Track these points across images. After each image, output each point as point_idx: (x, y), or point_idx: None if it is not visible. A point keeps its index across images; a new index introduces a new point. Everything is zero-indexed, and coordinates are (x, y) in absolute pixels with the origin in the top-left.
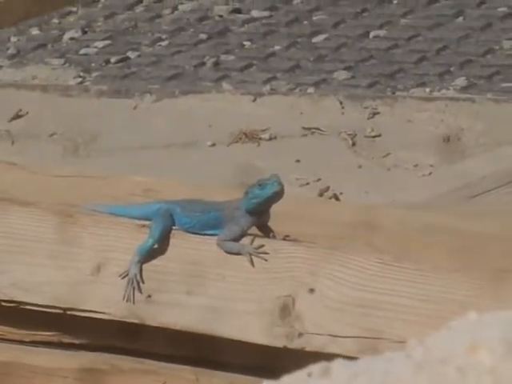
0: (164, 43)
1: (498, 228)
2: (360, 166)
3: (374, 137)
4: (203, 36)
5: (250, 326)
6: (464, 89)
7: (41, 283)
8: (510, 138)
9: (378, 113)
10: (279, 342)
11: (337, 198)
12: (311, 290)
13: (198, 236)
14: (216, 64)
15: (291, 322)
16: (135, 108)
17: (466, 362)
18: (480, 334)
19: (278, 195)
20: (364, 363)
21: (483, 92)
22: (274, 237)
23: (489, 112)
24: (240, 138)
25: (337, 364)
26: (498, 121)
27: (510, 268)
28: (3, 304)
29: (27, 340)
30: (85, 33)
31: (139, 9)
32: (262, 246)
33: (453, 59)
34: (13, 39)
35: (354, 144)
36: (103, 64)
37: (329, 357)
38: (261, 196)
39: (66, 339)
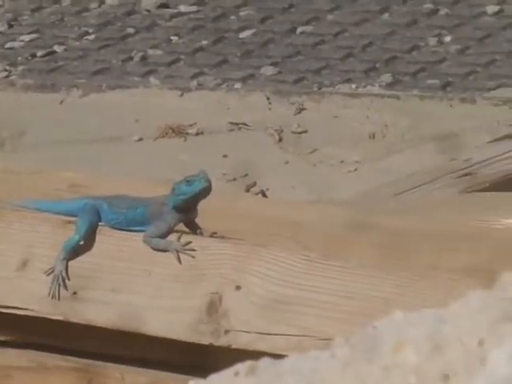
0: (91, 37)
1: (424, 225)
2: (287, 162)
3: (300, 133)
4: (130, 30)
5: (176, 323)
6: (389, 85)
7: None
8: (434, 135)
9: (305, 109)
10: (205, 340)
11: (264, 194)
12: (238, 287)
13: (124, 232)
14: (143, 58)
15: (218, 319)
16: (62, 102)
17: (391, 361)
18: (405, 333)
19: (205, 192)
20: (290, 362)
21: (408, 88)
22: (201, 233)
23: (414, 109)
24: (167, 133)
25: (263, 363)
26: (423, 117)
27: (436, 265)
28: None
29: None
30: (11, 26)
31: (66, 2)
32: (189, 242)
33: (378, 55)
34: None
35: (280, 140)
36: (29, 58)
37: (256, 354)
38: (188, 192)
39: None
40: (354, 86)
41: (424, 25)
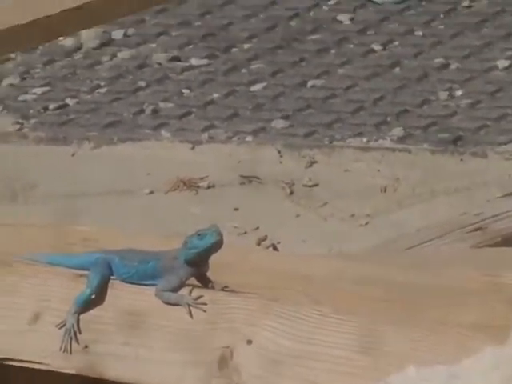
0: (103, 90)
1: (434, 280)
2: (298, 215)
3: (311, 186)
4: (142, 83)
5: (187, 377)
6: (400, 139)
7: None
8: (445, 189)
9: (316, 162)
10: None
11: (275, 248)
12: (249, 342)
13: (136, 286)
14: (155, 111)
15: (229, 374)
16: (73, 155)
17: None
18: None
19: (216, 246)
20: None
21: (419, 142)
22: (212, 287)
23: (425, 162)
24: (178, 186)
25: None
26: (434, 171)
27: (447, 320)
28: None
29: None
30: (23, 79)
31: (78, 55)
32: (201, 296)
33: (389, 109)
34: None
35: (291, 193)
36: (41, 111)
37: None
38: (200, 246)
39: None
40: (365, 139)
41: (435, 79)
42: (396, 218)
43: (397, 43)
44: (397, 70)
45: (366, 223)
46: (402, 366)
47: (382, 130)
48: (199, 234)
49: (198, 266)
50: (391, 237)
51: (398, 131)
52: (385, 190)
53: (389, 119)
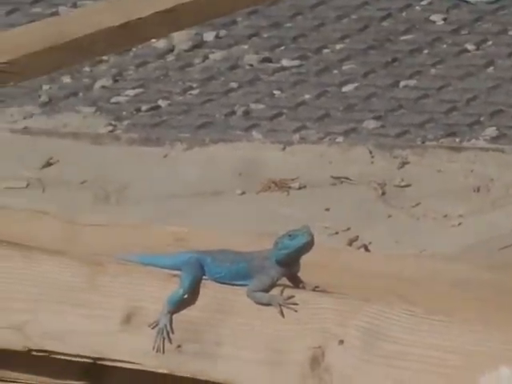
0: (195, 92)
1: None
2: (389, 216)
3: (403, 186)
4: (233, 85)
5: (279, 377)
6: (494, 139)
7: (71, 332)
8: None
9: (408, 162)
10: None
11: (366, 248)
12: (341, 342)
13: (228, 286)
14: (246, 113)
15: (321, 374)
16: (165, 156)
17: None
18: None
19: (307, 246)
20: None
21: None
22: (303, 287)
23: None
24: (269, 187)
25: None
26: None
27: None
28: (33, 353)
29: None
30: (116, 81)
31: (170, 57)
32: (292, 296)
33: (483, 109)
34: (44, 87)
35: (383, 193)
36: (134, 112)
37: None
38: (291, 247)
39: None
40: (458, 139)
41: None
42: (489, 218)
43: (490, 43)
44: (490, 69)
45: (459, 224)
46: (495, 366)
47: (476, 130)
48: (290, 235)
49: (289, 266)
50: (484, 237)
51: (491, 131)
52: (478, 190)
53: (482, 119)
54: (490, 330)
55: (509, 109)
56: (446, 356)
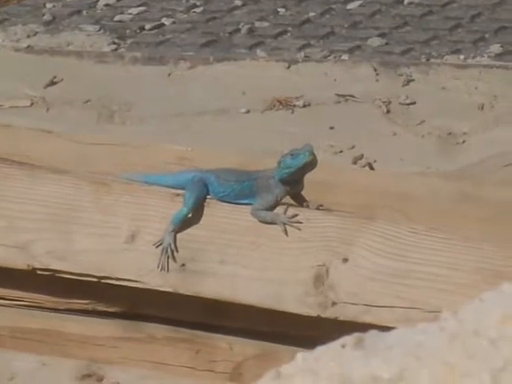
0: (199, 10)
1: None
2: (394, 134)
3: (408, 104)
4: (238, 2)
5: (283, 295)
6: (498, 56)
7: (76, 251)
8: None
9: (413, 80)
10: (313, 312)
11: (371, 167)
12: (345, 260)
13: (232, 205)
14: (250, 31)
15: (325, 292)
16: (170, 75)
17: (498, 334)
18: None
19: (309, 165)
20: (397, 335)
21: None
22: (307, 206)
23: None
24: (274, 105)
25: (370, 335)
26: None
27: None
28: (38, 272)
29: (62, 308)
30: None
31: None
32: (296, 215)
33: (487, 26)
34: (48, 5)
35: (388, 111)
36: (138, 31)
37: (363, 327)
38: (293, 166)
39: (101, 307)
40: (462, 56)
41: None
42: (494, 135)
43: None
44: None
45: (464, 141)
46: (497, 282)
47: (480, 47)
48: (292, 154)
49: (292, 185)
50: (489, 154)
51: (495, 48)
52: (482, 108)
53: (487, 36)
54: (493, 247)
55: None
56: (449, 273)
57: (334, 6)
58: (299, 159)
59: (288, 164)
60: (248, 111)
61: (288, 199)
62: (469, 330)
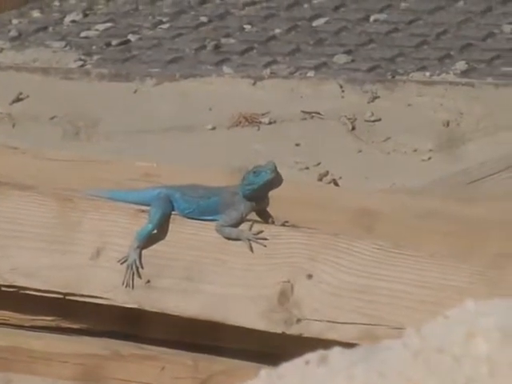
0: (165, 26)
1: (497, 213)
2: (360, 151)
3: (373, 121)
4: (204, 19)
5: (248, 311)
6: (464, 73)
7: (41, 268)
8: (509, 123)
9: (378, 97)
10: (278, 328)
11: (336, 183)
12: (309, 276)
13: (197, 221)
14: (216, 47)
15: (290, 308)
16: (136, 91)
17: (462, 351)
18: (477, 323)
19: (273, 182)
20: (362, 351)
21: (483, 76)
22: (272, 222)
23: (488, 96)
24: (240, 122)
25: (334, 352)
26: (498, 105)
27: (509, 253)
28: (3, 289)
29: (27, 325)
30: (86, 15)
31: None
32: (261, 231)
33: (453, 43)
34: (14, 21)
35: (353, 128)
36: (104, 47)
37: (327, 343)
38: (255, 183)
39: (65, 324)
40: (428, 73)
41: (499, 12)
42: (459, 152)
43: None
44: (460, 3)
45: (429, 158)
46: (461, 300)
47: (446, 64)
48: (255, 171)
49: (257, 201)
50: (454, 171)
51: (461, 65)
52: (448, 125)
53: (452, 53)
54: (457, 263)
55: (479, 42)
56: (414, 290)
57: (299, 23)
58: (261, 176)
59: (251, 181)
60: (214, 127)
61: (253, 215)
62: (432, 347)
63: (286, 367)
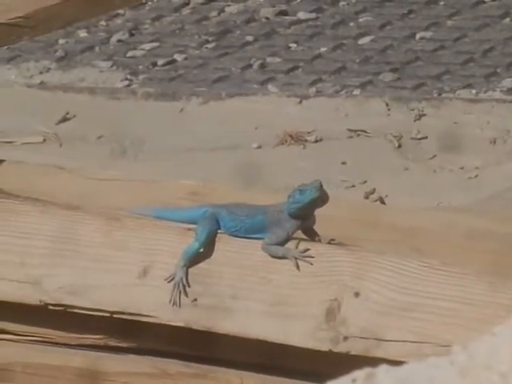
0: (211, 45)
1: None
2: (406, 169)
3: (420, 139)
4: (249, 38)
5: (295, 330)
6: (510, 90)
7: (88, 287)
8: None
9: (424, 115)
10: (324, 346)
11: (382, 201)
12: (356, 294)
13: (243, 240)
14: (262, 66)
15: (336, 326)
16: (182, 111)
17: (510, 368)
18: None
19: (319, 200)
20: (409, 369)
21: None
22: (319, 240)
23: None
24: (286, 141)
25: (381, 370)
26: None
27: None
28: (50, 307)
29: (74, 343)
30: (132, 35)
31: (186, 11)
32: (308, 249)
33: (499, 60)
34: (61, 41)
35: (399, 146)
36: (150, 66)
37: (375, 361)
38: (300, 201)
39: (113, 342)
40: (474, 91)
41: None
42: (506, 169)
43: None
44: (507, 20)
45: (476, 176)
46: (508, 316)
47: (492, 82)
48: (300, 190)
49: (303, 219)
50: (501, 189)
51: (508, 82)
52: (494, 142)
53: (499, 70)
54: (504, 281)
55: None
56: (461, 307)
57: (345, 42)
58: (307, 195)
59: (296, 199)
60: (260, 146)
61: (299, 234)
62: (480, 365)
63: None
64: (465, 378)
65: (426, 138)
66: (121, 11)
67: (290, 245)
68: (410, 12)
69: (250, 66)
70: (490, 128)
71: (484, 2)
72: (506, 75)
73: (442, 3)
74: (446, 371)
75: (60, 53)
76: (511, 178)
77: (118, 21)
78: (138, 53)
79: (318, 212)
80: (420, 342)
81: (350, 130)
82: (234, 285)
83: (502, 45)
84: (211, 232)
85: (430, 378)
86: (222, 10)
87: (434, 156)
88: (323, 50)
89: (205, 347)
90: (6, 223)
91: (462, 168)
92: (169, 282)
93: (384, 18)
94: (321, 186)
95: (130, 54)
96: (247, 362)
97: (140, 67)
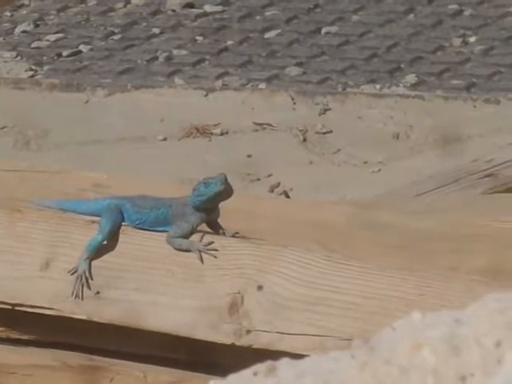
0: (116, 37)
1: (444, 226)
2: (311, 163)
3: (324, 133)
4: (156, 30)
5: (198, 322)
6: (414, 86)
7: None
8: (458, 136)
9: (329, 109)
10: (227, 339)
11: (287, 195)
12: (260, 287)
13: (147, 232)
14: (168, 58)
15: (239, 319)
16: (87, 102)
17: (409, 362)
18: (423, 334)
19: (223, 194)
20: (310, 362)
21: (433, 89)
22: (223, 234)
23: (438, 109)
24: (191, 133)
25: (283, 363)
26: (447, 118)
27: (455, 266)
28: None
29: None
30: (37, 26)
31: (92, 2)
32: (212, 242)
33: (403, 56)
34: None
35: (304, 140)
36: (55, 57)
37: (278, 355)
38: (205, 194)
39: (14, 335)
40: (378, 86)
41: (449, 25)
42: (408, 164)
43: None
44: (411, 16)
45: (379, 170)
46: (409, 311)
47: (396, 77)
48: (205, 183)
49: (208, 212)
50: (403, 183)
51: (411, 78)
52: (397, 137)
53: (402, 66)
54: (406, 275)
55: (429, 55)
56: (363, 301)
57: (251, 35)
58: (211, 188)
59: (201, 192)
60: (165, 138)
61: (204, 227)
62: (380, 359)
63: (234, 378)
64: (364, 372)
65: (331, 132)
66: (26, 1)
67: (195, 238)
68: (316, 6)
69: (156, 58)
70: (394, 123)
71: None
72: (409, 71)
73: None
74: (346, 364)
75: None
76: (413, 172)
77: (23, 11)
78: (43, 43)
79: (223, 205)
80: (322, 336)
81: (255, 124)
82: (138, 278)
83: (405, 40)
84: (115, 224)
85: (330, 371)
86: (128, 2)
87: (339, 150)
88: (230, 43)
89: (107, 340)
90: None
91: (365, 162)
92: (72, 274)
93: (290, 12)
94: (225, 179)
95: (34, 44)
96: (150, 354)
97: (45, 58)
